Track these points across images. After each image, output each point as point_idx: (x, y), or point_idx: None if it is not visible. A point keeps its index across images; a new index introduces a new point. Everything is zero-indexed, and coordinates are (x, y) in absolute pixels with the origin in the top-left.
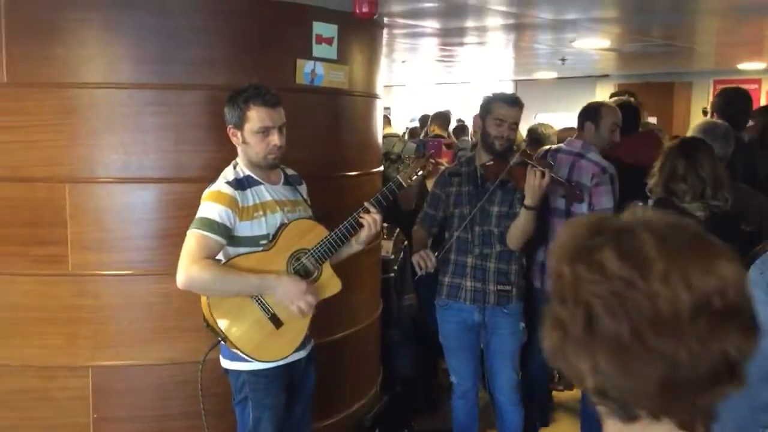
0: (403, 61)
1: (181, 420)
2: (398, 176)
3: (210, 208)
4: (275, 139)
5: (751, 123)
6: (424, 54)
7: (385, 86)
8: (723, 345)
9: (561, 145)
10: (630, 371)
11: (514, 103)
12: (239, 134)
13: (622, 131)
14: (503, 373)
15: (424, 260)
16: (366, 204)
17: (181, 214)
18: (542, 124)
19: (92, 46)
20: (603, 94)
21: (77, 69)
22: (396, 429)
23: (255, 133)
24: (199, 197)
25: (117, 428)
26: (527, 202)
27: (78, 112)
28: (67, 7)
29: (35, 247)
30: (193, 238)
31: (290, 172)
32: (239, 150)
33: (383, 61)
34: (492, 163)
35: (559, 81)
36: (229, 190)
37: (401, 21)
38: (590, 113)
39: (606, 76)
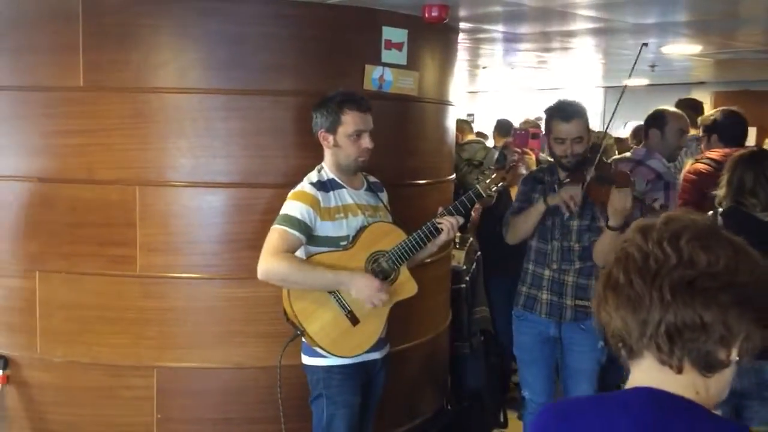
0: (484, 67)
1: (242, 425)
2: (477, 185)
3: (293, 206)
4: (366, 141)
5: None
6: (507, 59)
7: (469, 92)
8: (697, 310)
9: (627, 154)
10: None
11: (570, 116)
12: (331, 138)
13: (737, 143)
14: (577, 392)
15: (572, 198)
16: (442, 209)
17: (247, 219)
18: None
19: (164, 52)
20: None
21: (150, 74)
22: None
23: (348, 136)
24: (265, 203)
25: (180, 429)
26: (612, 223)
27: (149, 116)
28: (141, 13)
29: (106, 247)
30: (275, 232)
31: (372, 179)
32: (328, 153)
33: (463, 67)
34: (569, 180)
35: (651, 88)
36: (312, 190)
37: (479, 26)
38: (655, 120)
39: (702, 83)
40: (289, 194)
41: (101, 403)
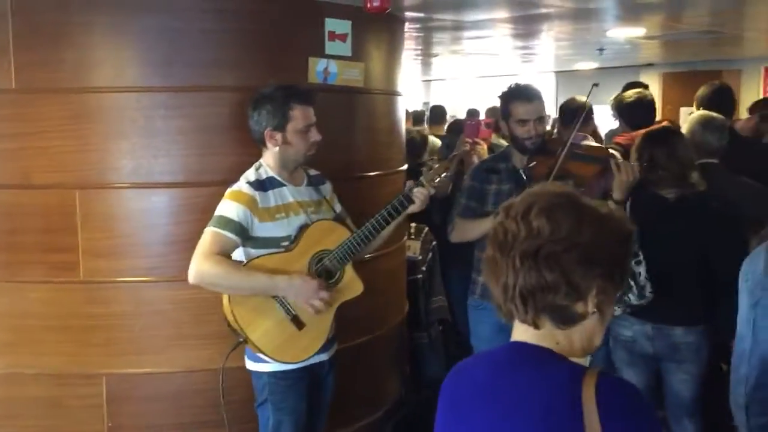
0: (436, 55)
1: (195, 429)
2: (422, 177)
3: (228, 207)
4: (315, 134)
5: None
6: (456, 47)
7: (423, 81)
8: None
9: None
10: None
11: (532, 96)
12: (279, 135)
13: (638, 126)
14: None
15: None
16: (411, 182)
17: (192, 218)
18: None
19: (100, 50)
20: (647, 83)
21: (84, 73)
22: None
23: (298, 131)
24: (210, 201)
25: None
26: (617, 196)
27: (86, 117)
28: (74, 11)
29: (47, 254)
30: (208, 234)
31: (313, 172)
32: (272, 151)
33: (416, 56)
34: (535, 163)
35: (600, 71)
36: (249, 190)
37: (426, 15)
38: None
39: (650, 65)
40: (225, 193)
41: (49, 414)
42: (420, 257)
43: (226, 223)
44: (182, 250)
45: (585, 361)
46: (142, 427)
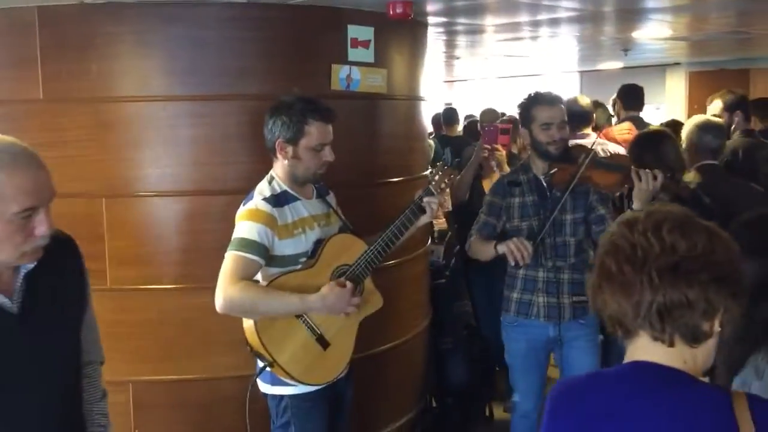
0: (458, 58)
1: None
2: (429, 187)
3: (247, 228)
4: (328, 154)
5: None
6: (481, 51)
7: (445, 81)
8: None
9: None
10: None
11: (554, 101)
12: (290, 149)
13: None
14: None
15: (520, 250)
16: (421, 191)
17: (218, 226)
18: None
19: (125, 60)
20: (673, 83)
21: (110, 83)
22: None
23: (311, 148)
24: (235, 209)
25: None
26: (636, 206)
27: (112, 126)
28: (100, 22)
29: None
30: (230, 259)
31: (317, 184)
32: (283, 164)
33: (440, 57)
34: (557, 170)
35: (625, 71)
36: (266, 207)
37: (448, 20)
38: None
39: (677, 64)
40: (240, 212)
41: None
42: (443, 261)
43: (247, 245)
44: (209, 257)
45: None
46: None
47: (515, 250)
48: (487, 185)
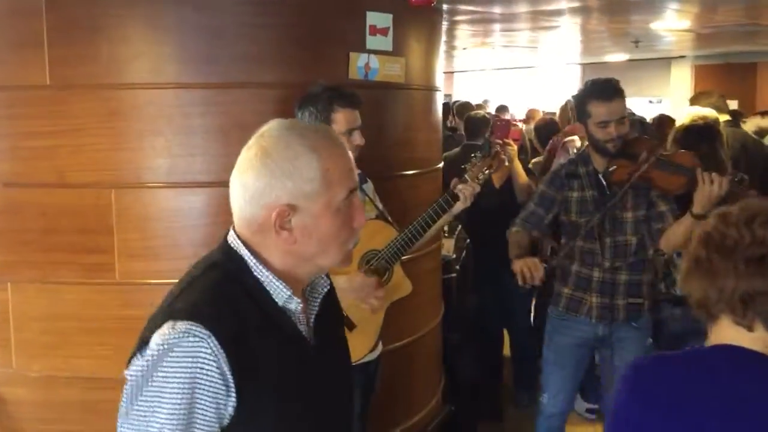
0: (464, 48)
1: None
2: (466, 174)
3: None
4: (358, 138)
5: None
6: (487, 40)
7: (444, 72)
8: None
9: None
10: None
11: (612, 95)
12: None
13: None
14: None
15: (530, 271)
16: (456, 179)
17: (230, 219)
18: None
19: (136, 45)
20: (678, 76)
21: (120, 69)
22: None
23: (340, 135)
24: None
25: None
26: (697, 210)
27: (122, 114)
28: (110, 4)
29: (82, 255)
30: None
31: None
32: None
33: (443, 49)
34: (616, 167)
35: (631, 63)
36: None
37: (462, 7)
38: None
39: (682, 57)
40: None
41: (82, 419)
42: (454, 256)
43: None
44: None
45: None
46: None
47: (525, 269)
48: (496, 179)
